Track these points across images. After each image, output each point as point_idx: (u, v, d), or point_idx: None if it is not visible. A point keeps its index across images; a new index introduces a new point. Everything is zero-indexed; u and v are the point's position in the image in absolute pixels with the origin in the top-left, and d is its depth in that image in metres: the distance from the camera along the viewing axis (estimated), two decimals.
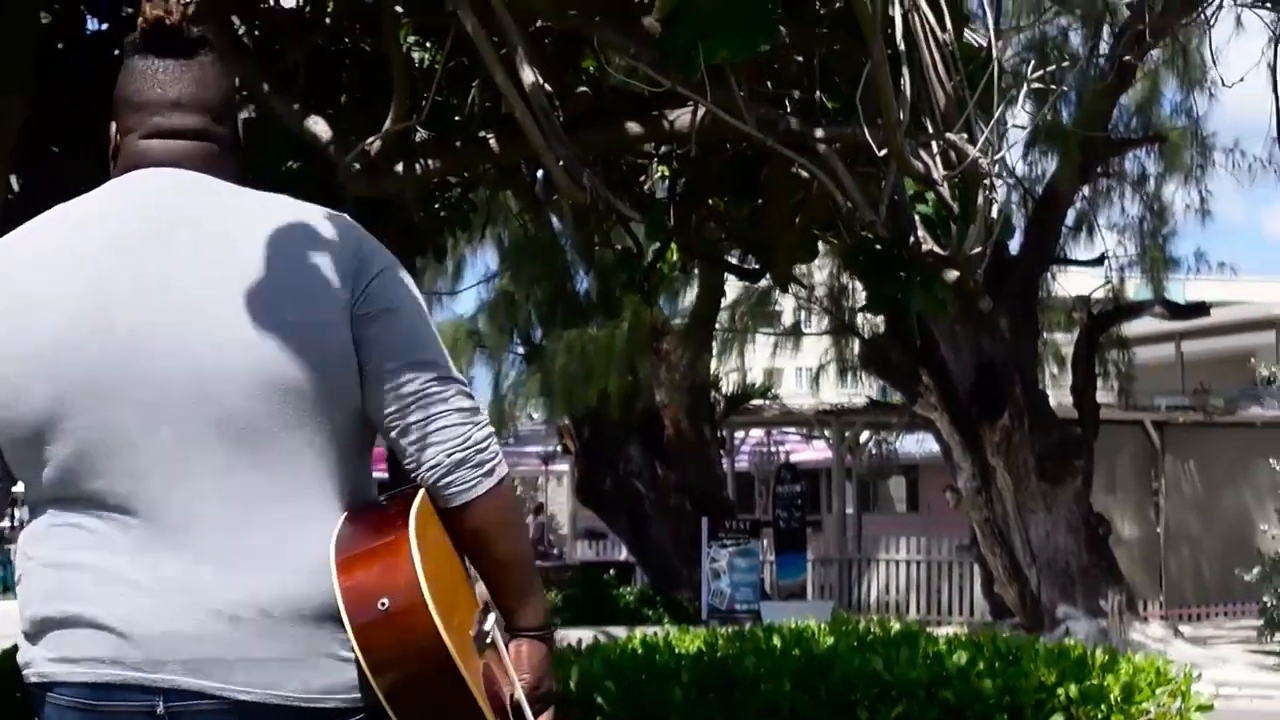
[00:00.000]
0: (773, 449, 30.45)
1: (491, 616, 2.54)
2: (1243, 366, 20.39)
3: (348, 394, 2.44)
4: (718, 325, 22.49)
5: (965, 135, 4.41)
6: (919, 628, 7.34)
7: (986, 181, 4.65)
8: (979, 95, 4.34)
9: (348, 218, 2.54)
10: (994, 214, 4.88)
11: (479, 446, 2.47)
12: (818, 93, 5.29)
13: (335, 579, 2.36)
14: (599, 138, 5.97)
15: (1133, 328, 22.69)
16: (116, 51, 6.42)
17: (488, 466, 2.48)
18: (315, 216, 2.50)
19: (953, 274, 5.41)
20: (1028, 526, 16.90)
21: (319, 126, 5.44)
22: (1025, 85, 5.90)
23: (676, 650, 6.75)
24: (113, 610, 2.36)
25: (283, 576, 2.38)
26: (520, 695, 2.55)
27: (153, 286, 2.41)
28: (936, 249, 5.20)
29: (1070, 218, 19.26)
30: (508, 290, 21.20)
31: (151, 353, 2.38)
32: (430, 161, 5.75)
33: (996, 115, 4.47)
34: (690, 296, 21.89)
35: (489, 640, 2.51)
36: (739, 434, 29.02)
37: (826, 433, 26.92)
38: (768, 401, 26.37)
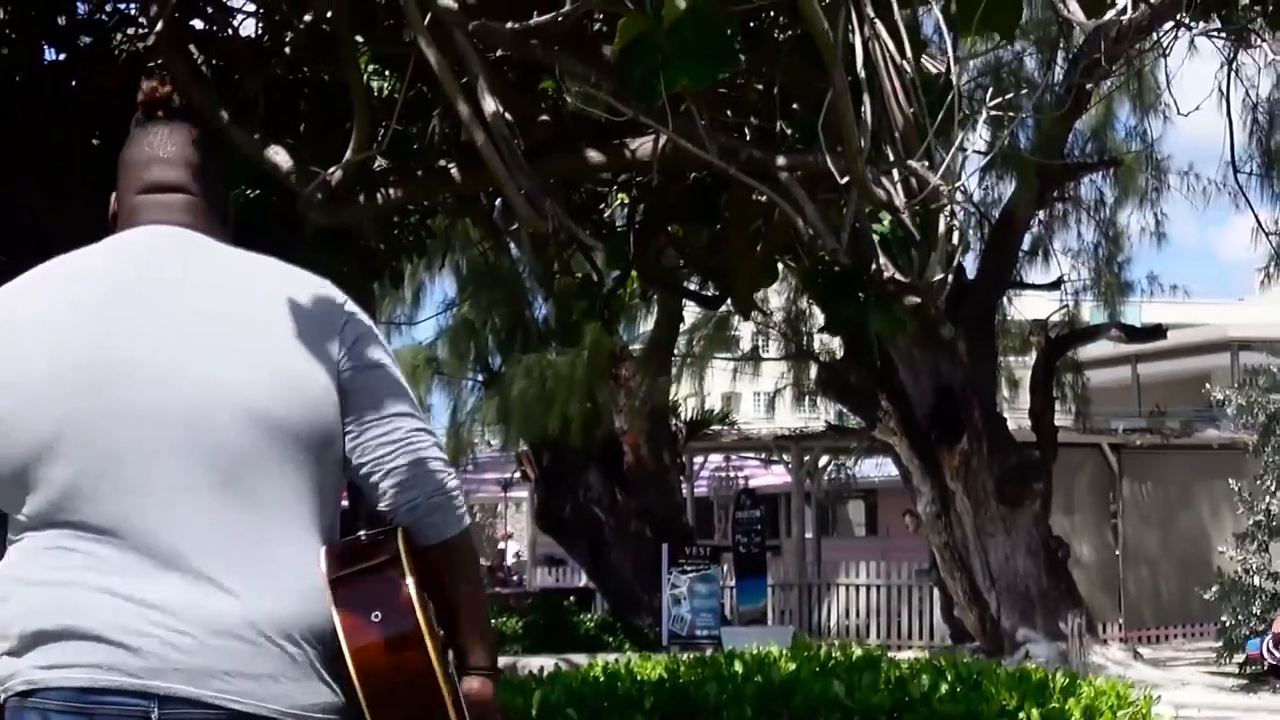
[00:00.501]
0: (732, 474, 30.48)
1: (450, 653, 2.70)
2: (1198, 389, 20.49)
3: (330, 437, 2.65)
4: (676, 351, 22.48)
5: (925, 162, 4.42)
6: (879, 652, 7.36)
7: (948, 209, 4.66)
8: (939, 122, 4.35)
9: (329, 282, 2.77)
10: (954, 240, 4.89)
11: (454, 493, 2.71)
12: (778, 121, 5.29)
13: (329, 591, 2.53)
14: (560, 166, 5.97)
15: (1089, 351, 22.83)
16: (74, 82, 6.42)
17: (459, 512, 2.73)
18: (302, 278, 2.75)
19: (914, 300, 5.43)
20: (987, 550, 16.93)
21: (279, 156, 5.42)
22: (984, 111, 5.92)
23: (638, 677, 6.75)
24: (111, 622, 2.47)
25: (274, 598, 2.53)
26: None
27: (147, 333, 2.60)
28: (898, 275, 5.21)
29: (1026, 242, 19.35)
30: (467, 317, 21.18)
31: (144, 393, 2.56)
32: (390, 191, 5.75)
33: (957, 143, 4.48)
34: (649, 322, 21.88)
35: (449, 672, 2.64)
36: (698, 459, 29.02)
37: (785, 457, 26.95)
38: (726, 427, 26.38)
